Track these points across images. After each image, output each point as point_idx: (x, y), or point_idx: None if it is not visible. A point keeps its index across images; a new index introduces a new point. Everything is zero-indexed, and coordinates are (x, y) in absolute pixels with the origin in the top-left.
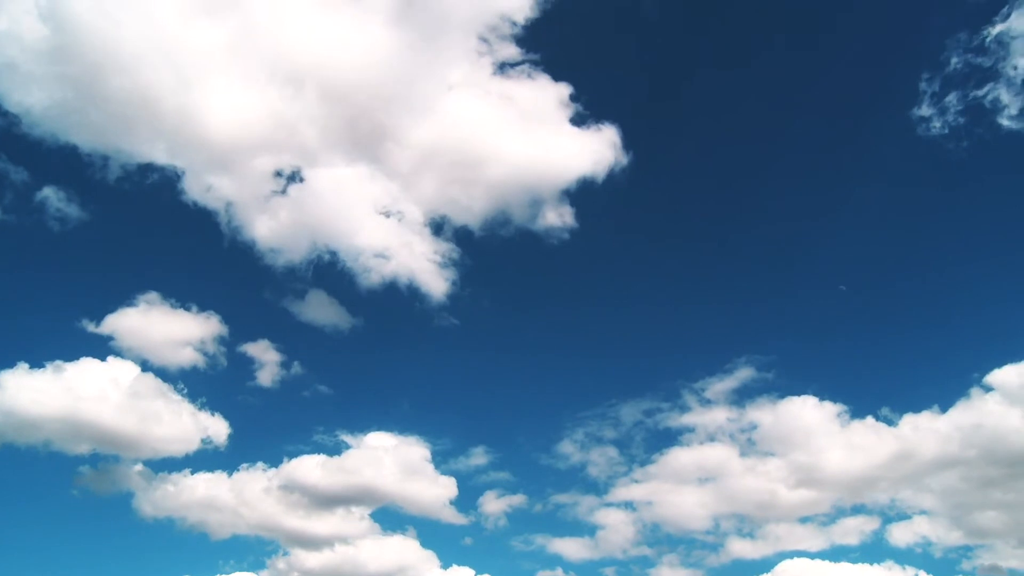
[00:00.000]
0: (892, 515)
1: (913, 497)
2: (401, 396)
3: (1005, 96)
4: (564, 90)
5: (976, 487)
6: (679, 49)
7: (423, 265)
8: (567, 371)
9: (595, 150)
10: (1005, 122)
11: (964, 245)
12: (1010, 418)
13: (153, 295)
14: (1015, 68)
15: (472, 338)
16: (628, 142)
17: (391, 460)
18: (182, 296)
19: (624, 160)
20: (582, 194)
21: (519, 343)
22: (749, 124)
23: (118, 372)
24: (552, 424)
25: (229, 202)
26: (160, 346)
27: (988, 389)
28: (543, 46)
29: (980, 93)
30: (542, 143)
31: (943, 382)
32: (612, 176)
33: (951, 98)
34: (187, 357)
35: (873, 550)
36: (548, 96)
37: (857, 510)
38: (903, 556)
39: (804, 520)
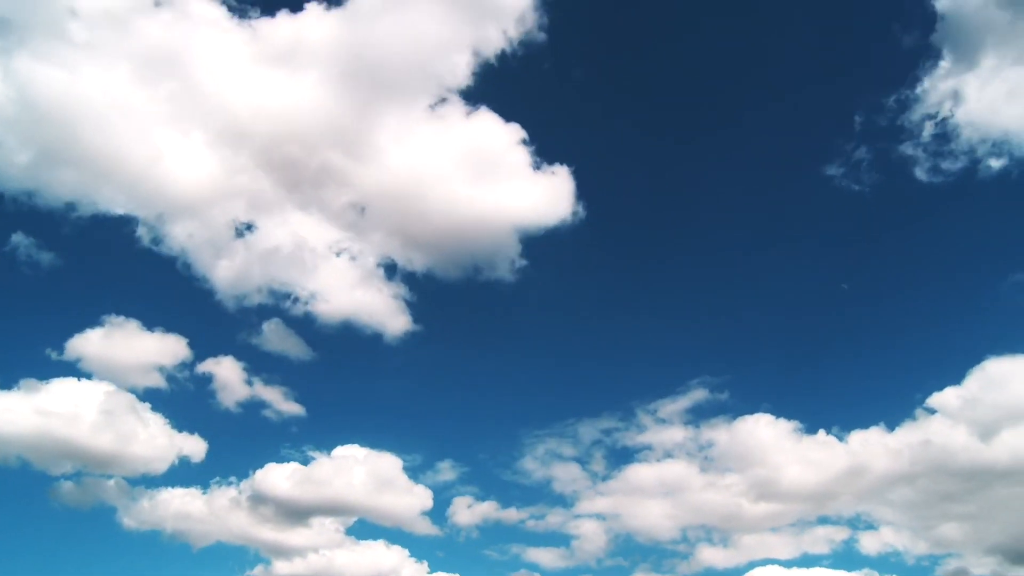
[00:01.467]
0: (859, 525)
1: (875, 509)
2: (367, 415)
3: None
4: (516, 133)
5: (935, 500)
6: (623, 97)
7: (377, 304)
8: (523, 394)
9: (547, 189)
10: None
11: (905, 277)
12: (956, 436)
13: (120, 318)
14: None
15: (428, 367)
16: (579, 179)
17: (364, 472)
18: (148, 320)
19: (575, 197)
20: (534, 232)
21: (473, 370)
22: (698, 157)
23: (91, 391)
24: (512, 443)
25: (185, 248)
26: (129, 367)
27: (931, 411)
28: (495, 90)
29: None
30: (492, 185)
31: (887, 403)
32: (563, 212)
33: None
34: (155, 377)
35: (844, 559)
36: (499, 139)
37: (823, 520)
38: (875, 564)
39: (772, 530)
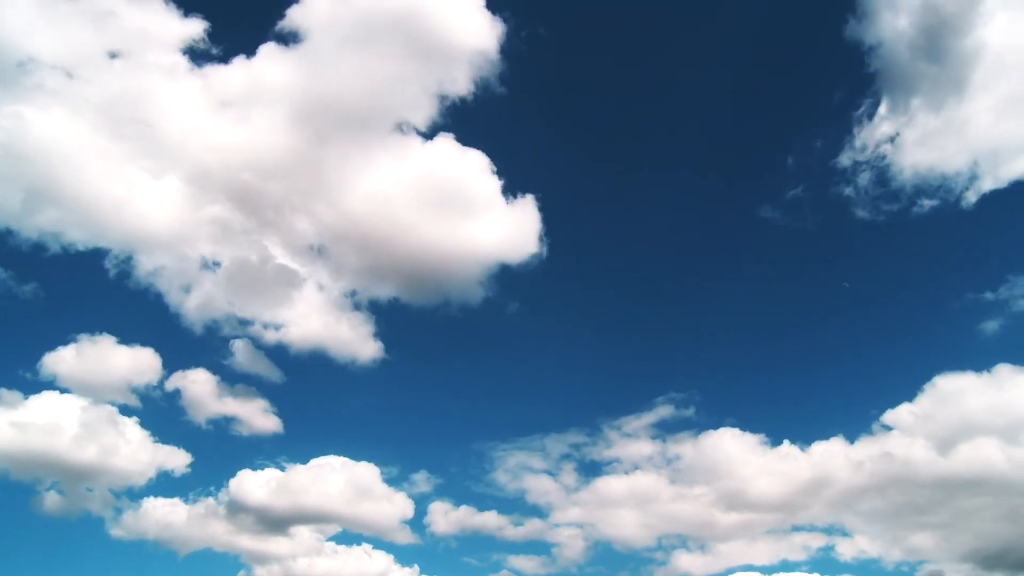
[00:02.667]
0: (834, 533)
1: (848, 519)
2: (342, 429)
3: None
4: (478, 163)
5: (904, 511)
6: (583, 132)
7: (346, 333)
8: (491, 411)
9: (513, 219)
10: None
11: (857, 302)
12: (915, 450)
13: (95, 335)
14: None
15: (398, 388)
16: (544, 209)
17: (343, 481)
18: (123, 336)
19: (541, 225)
20: (501, 259)
21: (442, 389)
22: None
23: (70, 405)
24: (482, 456)
25: (154, 280)
26: (108, 382)
27: (888, 428)
28: (456, 123)
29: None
30: (457, 215)
31: (846, 418)
32: (529, 241)
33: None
34: (132, 392)
35: (822, 565)
36: (461, 170)
37: (798, 529)
38: (854, 569)
39: (748, 538)
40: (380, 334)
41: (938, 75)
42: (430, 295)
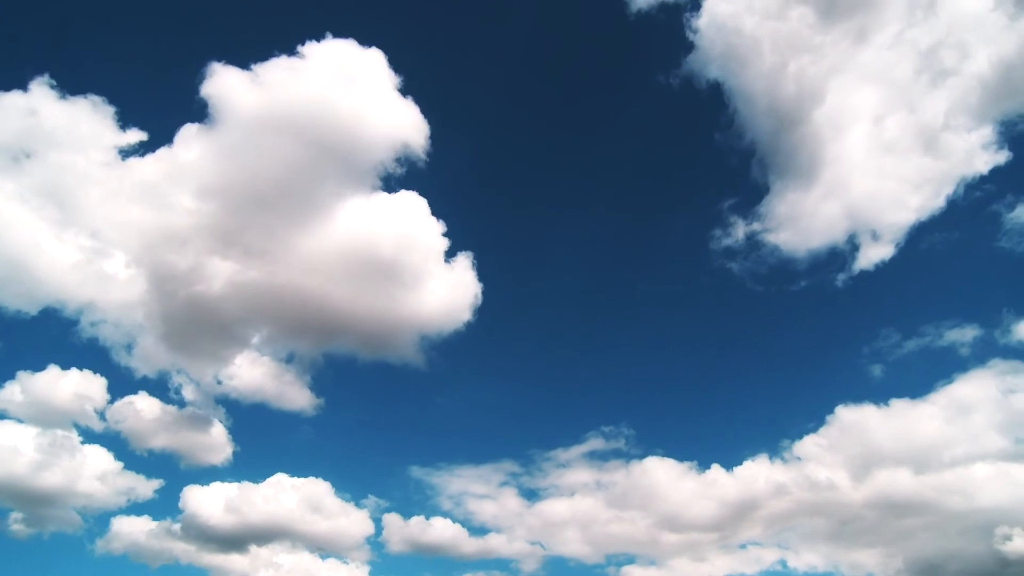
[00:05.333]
0: (784, 547)
1: (788, 538)
2: (294, 452)
3: None
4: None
5: (840, 530)
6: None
7: (285, 389)
8: (428, 443)
9: (445, 279)
10: None
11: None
12: (829, 475)
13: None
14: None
15: (336, 432)
16: (479, 266)
17: (298, 500)
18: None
19: (476, 281)
20: (435, 317)
21: (377, 428)
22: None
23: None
24: (423, 484)
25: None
26: (65, 409)
27: (799, 458)
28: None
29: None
30: (389, 280)
31: (764, 445)
32: (463, 299)
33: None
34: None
35: None
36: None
37: (745, 546)
38: None
39: (693, 555)
40: (316, 387)
41: (808, 166)
42: (364, 350)
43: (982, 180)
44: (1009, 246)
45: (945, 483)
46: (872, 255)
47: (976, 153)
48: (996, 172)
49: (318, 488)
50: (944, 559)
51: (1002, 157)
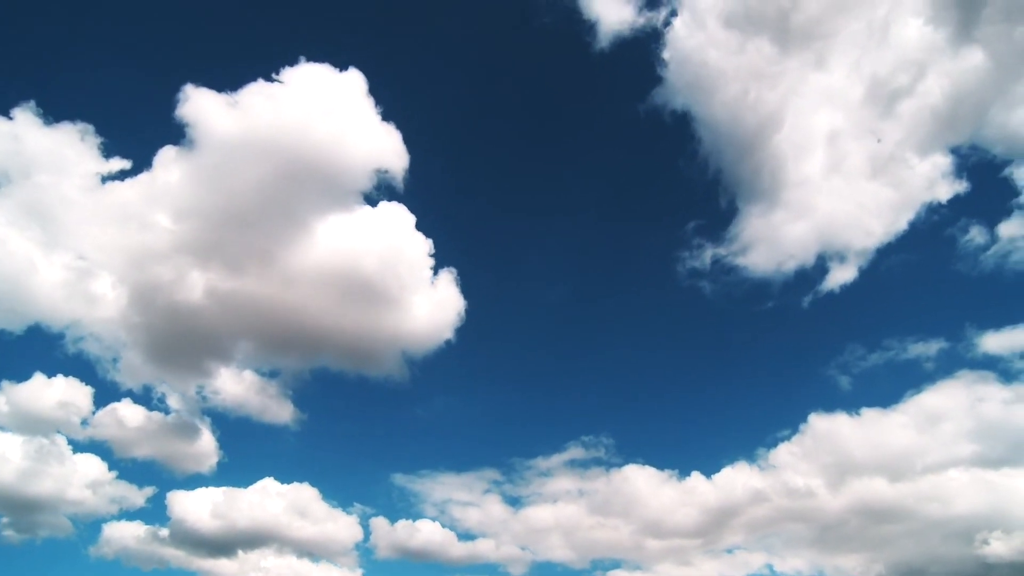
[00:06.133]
0: (769, 552)
1: (771, 543)
2: (281, 458)
3: None
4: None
5: (821, 535)
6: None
7: (268, 404)
8: (409, 452)
9: (429, 295)
10: None
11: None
12: (806, 483)
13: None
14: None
15: (318, 442)
16: (463, 282)
17: (287, 506)
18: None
19: (460, 296)
20: (418, 333)
21: (358, 438)
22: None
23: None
24: (406, 492)
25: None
26: (51, 418)
27: (773, 466)
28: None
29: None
30: (373, 298)
31: (741, 452)
32: (446, 316)
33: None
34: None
35: None
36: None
37: (729, 551)
38: None
39: (676, 561)
40: (299, 402)
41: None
42: (347, 365)
43: (939, 206)
44: (964, 269)
45: (921, 490)
46: (838, 277)
47: (936, 180)
48: (956, 200)
49: (305, 493)
50: (925, 563)
51: (960, 187)
